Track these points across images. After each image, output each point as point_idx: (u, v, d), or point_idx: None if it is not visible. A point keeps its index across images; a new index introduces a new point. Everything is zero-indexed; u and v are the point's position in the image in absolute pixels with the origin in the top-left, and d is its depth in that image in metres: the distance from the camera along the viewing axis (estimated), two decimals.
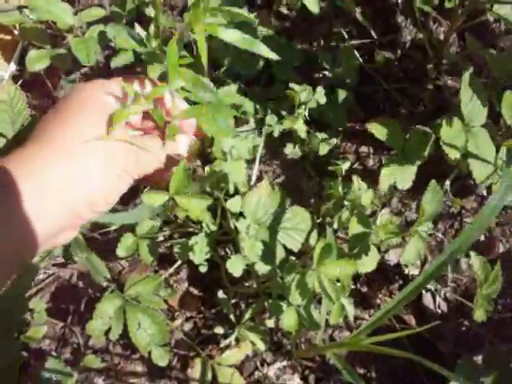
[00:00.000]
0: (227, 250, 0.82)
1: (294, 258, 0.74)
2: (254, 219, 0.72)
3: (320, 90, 0.81)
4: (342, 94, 0.89)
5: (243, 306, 0.87)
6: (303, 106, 0.79)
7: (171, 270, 0.87)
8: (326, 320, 0.70)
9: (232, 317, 0.83)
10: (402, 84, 0.96)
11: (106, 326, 0.79)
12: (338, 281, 0.67)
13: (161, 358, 0.80)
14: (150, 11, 0.80)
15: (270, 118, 0.77)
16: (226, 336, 0.84)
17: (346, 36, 0.95)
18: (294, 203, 0.76)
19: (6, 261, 0.47)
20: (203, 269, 0.76)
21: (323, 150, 0.85)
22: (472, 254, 0.76)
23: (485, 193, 0.93)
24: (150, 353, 0.80)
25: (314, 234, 0.75)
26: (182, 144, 0.61)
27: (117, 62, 0.74)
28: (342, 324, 0.89)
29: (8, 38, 0.96)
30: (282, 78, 0.88)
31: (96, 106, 0.53)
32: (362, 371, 0.88)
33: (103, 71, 0.97)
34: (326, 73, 0.92)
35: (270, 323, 0.79)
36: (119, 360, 0.88)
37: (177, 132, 0.58)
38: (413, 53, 0.97)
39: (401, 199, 0.93)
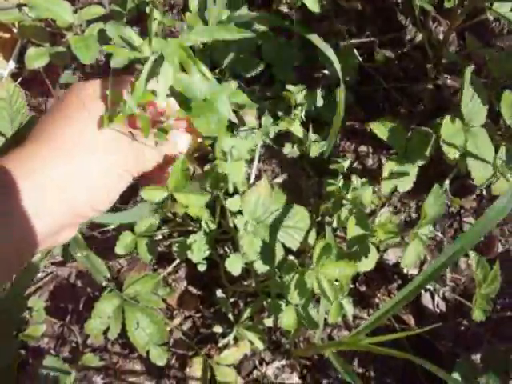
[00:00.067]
0: (226, 248, 0.82)
1: (292, 256, 0.74)
2: (253, 218, 0.72)
3: (317, 93, 0.81)
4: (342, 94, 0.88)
5: (242, 304, 0.87)
6: (300, 108, 0.79)
7: (170, 269, 0.87)
8: (325, 319, 0.70)
9: (231, 316, 0.83)
10: (402, 83, 0.95)
11: (105, 325, 0.79)
12: (337, 280, 0.67)
13: (159, 358, 0.80)
14: (150, 10, 0.79)
15: (266, 119, 0.77)
16: (224, 335, 0.84)
17: (346, 35, 0.95)
18: (293, 202, 0.76)
19: (6, 261, 0.46)
20: (202, 267, 0.76)
21: (315, 151, 0.84)
22: (471, 253, 0.76)
23: (484, 192, 0.93)
24: (148, 352, 0.80)
25: (313, 233, 0.75)
26: (181, 142, 0.60)
27: (117, 60, 0.73)
28: (341, 323, 0.89)
29: (7, 35, 0.96)
30: (281, 77, 0.88)
31: (95, 105, 0.53)
32: (360, 370, 0.88)
33: (103, 69, 0.97)
34: (326, 72, 0.92)
35: (269, 322, 0.79)
36: (118, 359, 0.88)
37: (169, 131, 0.58)
38: (412, 52, 0.97)
39: (400, 198, 0.93)
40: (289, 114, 0.81)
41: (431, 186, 0.81)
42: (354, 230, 0.73)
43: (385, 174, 0.81)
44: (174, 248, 0.76)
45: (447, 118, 0.78)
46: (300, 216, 0.75)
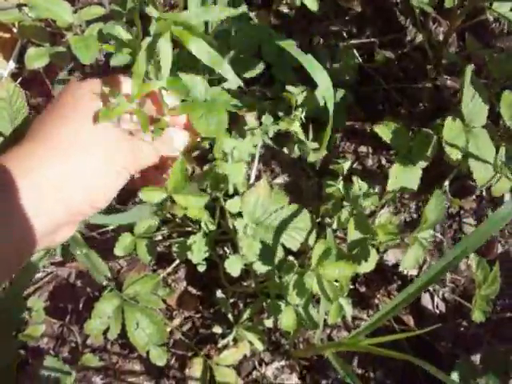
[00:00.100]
0: (226, 249, 0.82)
1: (292, 257, 0.74)
2: (252, 219, 0.72)
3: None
4: (340, 94, 0.88)
5: (241, 305, 0.87)
6: (300, 109, 0.79)
7: (169, 270, 0.87)
8: (324, 320, 0.70)
9: (230, 316, 0.83)
10: (402, 84, 0.95)
11: (105, 325, 0.79)
12: (337, 281, 0.67)
13: (159, 358, 0.80)
14: (150, 10, 0.79)
15: (266, 119, 0.77)
16: (224, 336, 0.83)
17: (346, 35, 0.95)
18: (293, 203, 0.76)
19: (6, 261, 0.46)
20: (201, 268, 0.76)
21: (313, 157, 0.84)
22: (471, 254, 0.76)
23: (484, 193, 0.93)
24: (148, 352, 0.80)
25: (313, 234, 0.75)
26: (177, 138, 0.60)
27: (116, 60, 0.73)
28: (340, 324, 0.89)
29: (7, 35, 0.95)
30: (281, 78, 0.88)
31: (91, 105, 0.53)
32: (360, 371, 0.88)
33: (103, 69, 0.97)
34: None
35: (269, 323, 0.79)
36: (117, 359, 0.88)
37: (165, 127, 0.58)
38: (412, 53, 0.97)
39: (400, 199, 0.93)
40: (289, 115, 0.81)
41: (431, 187, 0.81)
42: (354, 234, 0.73)
43: (391, 177, 0.80)
44: (174, 249, 0.76)
45: (449, 118, 0.78)
46: (300, 217, 0.74)
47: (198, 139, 0.63)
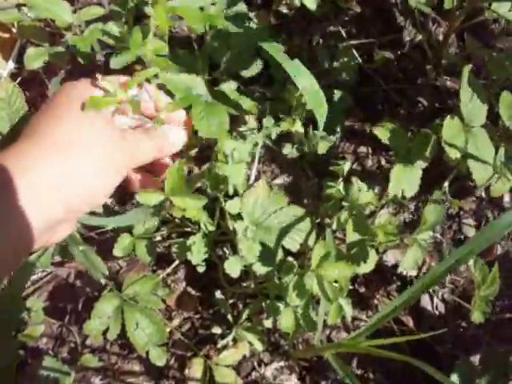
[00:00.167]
0: (225, 249, 0.82)
1: (291, 257, 0.74)
2: (252, 219, 0.72)
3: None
4: (340, 94, 0.88)
5: (241, 306, 0.87)
6: (300, 109, 0.79)
7: (169, 270, 0.87)
8: (324, 320, 0.70)
9: (229, 317, 0.82)
10: (401, 84, 0.95)
11: (104, 325, 0.79)
12: (336, 282, 0.67)
13: (158, 358, 0.80)
14: (149, 10, 0.79)
15: (267, 121, 0.77)
16: (223, 336, 0.83)
17: (345, 36, 0.94)
18: (293, 203, 0.76)
19: (3, 260, 0.46)
20: (201, 269, 0.76)
21: (322, 148, 0.84)
22: None
23: (483, 194, 0.93)
24: (147, 353, 0.80)
25: (313, 235, 0.75)
26: (173, 135, 0.60)
27: (116, 61, 0.73)
28: (340, 324, 0.89)
29: (6, 35, 0.95)
30: (280, 78, 0.88)
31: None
32: (359, 372, 0.88)
33: (102, 70, 0.96)
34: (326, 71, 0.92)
35: (268, 324, 0.79)
36: (117, 359, 0.88)
37: (160, 123, 0.58)
38: (412, 53, 0.97)
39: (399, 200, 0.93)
40: (289, 115, 0.81)
41: (430, 188, 0.81)
42: (352, 236, 0.73)
43: (392, 180, 0.80)
44: (174, 249, 0.76)
45: (448, 118, 0.78)
46: (300, 218, 0.74)
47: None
